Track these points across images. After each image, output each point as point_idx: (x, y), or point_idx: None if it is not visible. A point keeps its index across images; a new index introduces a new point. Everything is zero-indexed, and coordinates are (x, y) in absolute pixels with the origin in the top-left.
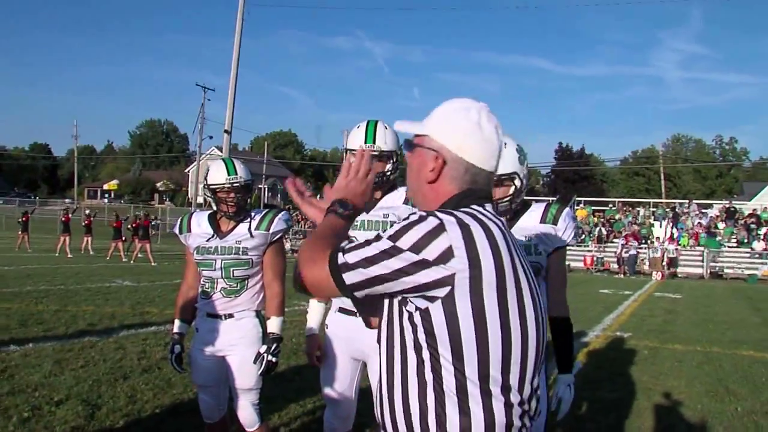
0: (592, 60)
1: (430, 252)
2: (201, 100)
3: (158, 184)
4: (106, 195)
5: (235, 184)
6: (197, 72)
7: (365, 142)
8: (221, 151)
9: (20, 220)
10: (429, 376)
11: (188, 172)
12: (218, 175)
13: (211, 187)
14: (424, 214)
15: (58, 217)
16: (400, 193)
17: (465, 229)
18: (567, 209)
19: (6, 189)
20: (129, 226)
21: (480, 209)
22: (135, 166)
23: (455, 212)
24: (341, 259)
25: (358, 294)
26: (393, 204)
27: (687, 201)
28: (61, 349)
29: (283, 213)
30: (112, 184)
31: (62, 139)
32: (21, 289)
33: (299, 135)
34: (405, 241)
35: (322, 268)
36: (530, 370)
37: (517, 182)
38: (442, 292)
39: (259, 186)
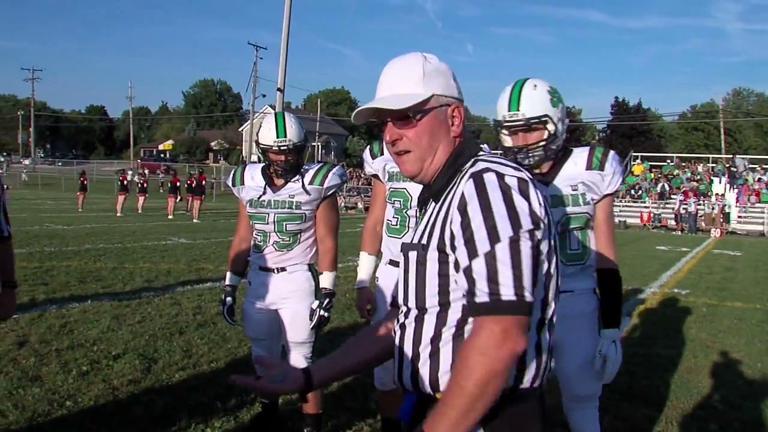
0: (648, 12)
1: (539, 210)
2: (253, 58)
3: (212, 144)
4: (162, 155)
5: (282, 147)
6: (249, 30)
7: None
8: (274, 110)
9: (80, 180)
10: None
11: (242, 131)
12: (268, 135)
13: (261, 145)
14: (491, 178)
15: (115, 178)
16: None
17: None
18: (613, 153)
19: (64, 151)
20: (186, 183)
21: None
22: (189, 126)
23: (501, 162)
24: (508, 296)
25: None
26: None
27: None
28: (119, 305)
29: (337, 168)
30: (167, 145)
31: (118, 101)
32: (80, 248)
33: (352, 92)
34: (519, 220)
35: (509, 329)
36: None
37: (550, 126)
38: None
39: (313, 144)
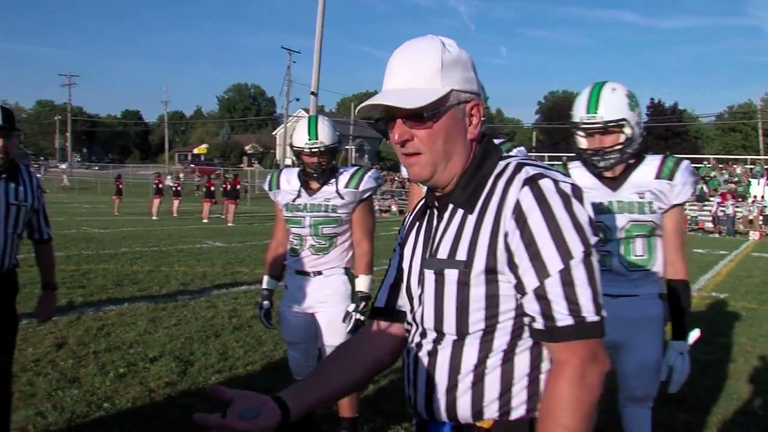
0: (684, 12)
1: (593, 218)
2: (287, 62)
3: (246, 147)
4: (196, 159)
5: (314, 149)
6: (283, 35)
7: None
8: (308, 113)
9: (115, 184)
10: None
11: (276, 134)
12: (300, 137)
13: (294, 148)
14: (548, 185)
15: (150, 182)
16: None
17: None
18: (686, 163)
19: (100, 155)
20: (221, 187)
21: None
22: (223, 130)
23: (544, 165)
24: (591, 317)
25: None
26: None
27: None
28: (155, 308)
29: (372, 171)
30: (201, 148)
31: (153, 105)
32: (116, 251)
33: None
34: (585, 232)
35: (595, 354)
36: None
37: (627, 130)
38: None
39: (346, 147)
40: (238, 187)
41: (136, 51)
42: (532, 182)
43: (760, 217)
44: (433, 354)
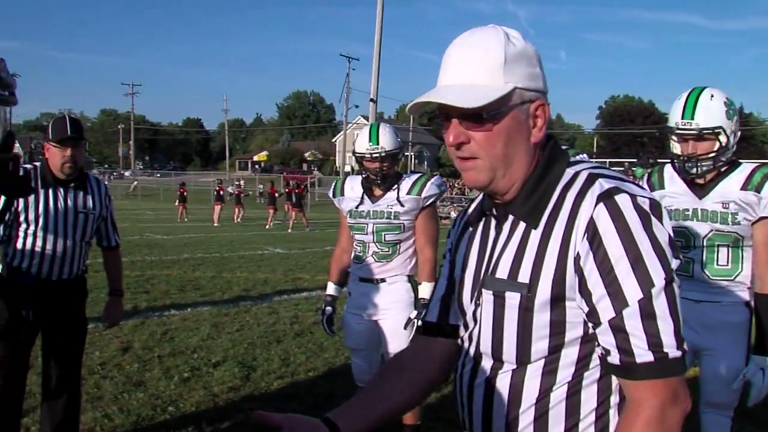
0: (750, 12)
1: (673, 237)
2: (346, 69)
3: (306, 154)
4: (256, 166)
5: (374, 154)
6: (341, 42)
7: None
8: (367, 120)
9: (178, 191)
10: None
11: (335, 141)
12: (361, 143)
13: (356, 154)
14: (626, 202)
15: (211, 188)
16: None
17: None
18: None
19: (162, 163)
20: (283, 192)
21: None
22: (283, 137)
23: (620, 176)
24: (673, 353)
25: None
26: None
27: None
28: (218, 313)
29: (435, 177)
30: (261, 156)
31: (213, 113)
32: (179, 257)
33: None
34: (667, 256)
35: (677, 392)
36: None
37: (723, 138)
38: None
39: (405, 153)
40: (302, 194)
41: (197, 59)
42: (607, 198)
43: None
44: (490, 382)
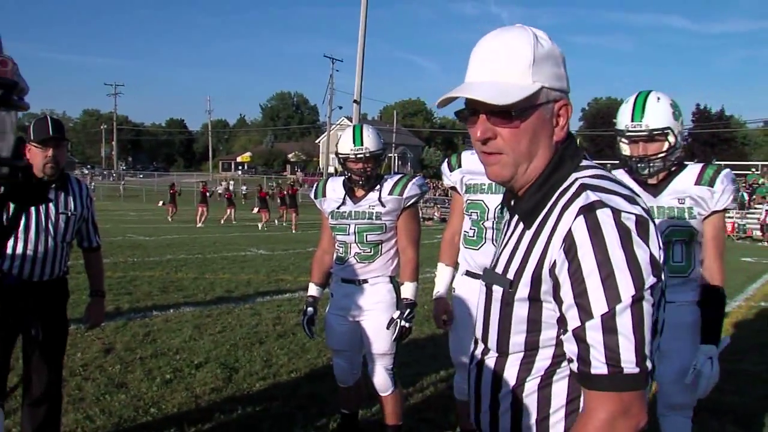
0: (733, 16)
1: (659, 254)
2: (329, 71)
3: (290, 155)
4: (240, 167)
5: (359, 155)
6: (325, 43)
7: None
8: (351, 121)
9: (169, 192)
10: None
11: (319, 142)
12: (345, 144)
13: (339, 155)
14: (606, 217)
15: (195, 190)
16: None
17: (645, 211)
18: (726, 171)
19: (145, 163)
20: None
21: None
22: (267, 139)
23: (612, 189)
24: (630, 368)
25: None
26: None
27: None
28: (200, 314)
29: (417, 178)
30: (245, 157)
31: (197, 114)
32: (162, 258)
33: (428, 103)
34: (641, 273)
35: (632, 405)
36: None
37: (671, 138)
38: None
39: (389, 155)
40: (296, 195)
41: (179, 60)
42: (588, 211)
43: None
44: (480, 366)
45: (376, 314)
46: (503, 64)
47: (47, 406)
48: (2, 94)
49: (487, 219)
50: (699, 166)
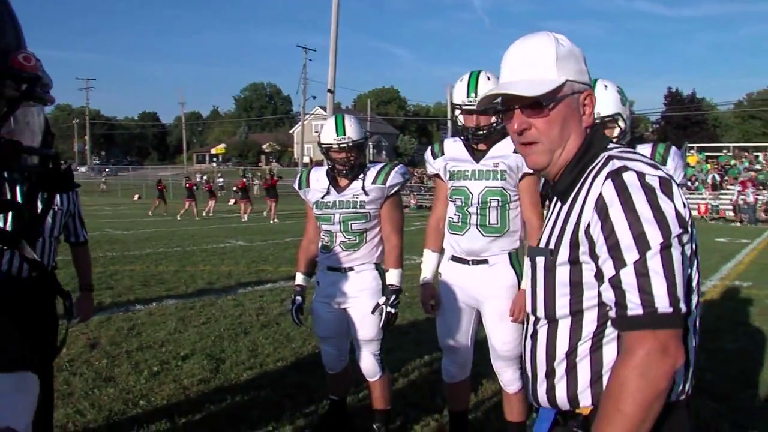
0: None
1: (684, 211)
2: (303, 61)
3: (264, 146)
4: (214, 159)
5: (342, 145)
6: (298, 33)
7: (467, 95)
8: (325, 111)
9: (158, 188)
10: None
11: (293, 132)
12: (328, 134)
13: (322, 145)
14: (632, 178)
15: (170, 183)
16: (509, 142)
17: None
18: (674, 148)
19: (119, 158)
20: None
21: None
22: (241, 130)
23: (637, 158)
24: (664, 308)
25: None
26: (503, 152)
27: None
28: (183, 307)
29: (400, 166)
30: (219, 148)
31: (170, 106)
32: (141, 252)
33: (402, 91)
34: (668, 224)
35: (666, 342)
36: None
37: (621, 123)
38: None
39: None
40: (276, 185)
41: (151, 53)
42: (615, 175)
43: None
44: (534, 338)
45: (362, 301)
46: (531, 64)
47: (40, 401)
48: (27, 88)
49: (471, 205)
50: (649, 146)
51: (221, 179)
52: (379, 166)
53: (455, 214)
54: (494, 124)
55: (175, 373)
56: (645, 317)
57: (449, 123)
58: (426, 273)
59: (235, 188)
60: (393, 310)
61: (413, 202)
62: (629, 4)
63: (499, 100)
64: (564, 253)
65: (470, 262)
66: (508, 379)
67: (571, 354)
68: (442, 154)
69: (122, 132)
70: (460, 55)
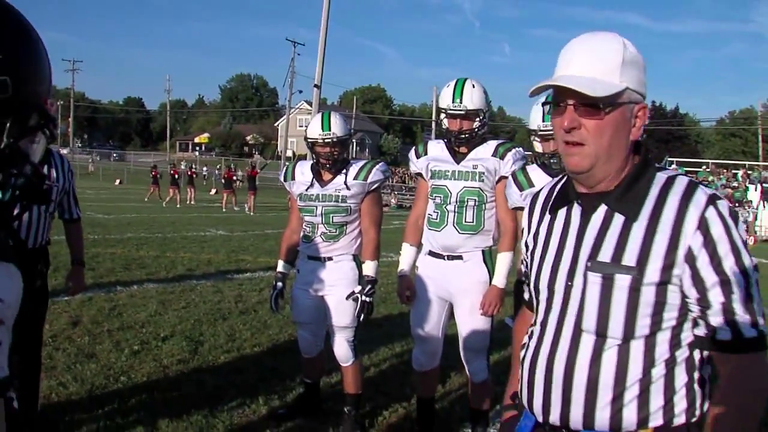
0: (690, 16)
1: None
2: (291, 54)
3: (248, 138)
4: (197, 148)
5: (327, 140)
6: (288, 27)
7: (452, 100)
8: (310, 106)
9: (151, 174)
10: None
11: (278, 125)
12: (314, 129)
13: (308, 139)
14: (725, 206)
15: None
16: (489, 146)
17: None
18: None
19: (101, 142)
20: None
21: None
22: (225, 120)
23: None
24: (765, 329)
25: None
26: (482, 156)
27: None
28: (164, 291)
29: (381, 164)
30: (203, 138)
31: (155, 93)
32: (122, 236)
33: (388, 90)
34: (749, 253)
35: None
36: None
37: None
38: None
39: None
40: (256, 177)
41: (139, 38)
42: (714, 203)
43: (756, 223)
44: (596, 358)
45: (339, 289)
46: (595, 62)
47: (27, 372)
48: (44, 123)
49: (449, 203)
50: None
51: (204, 169)
52: (361, 163)
53: (434, 212)
54: (476, 129)
55: (155, 353)
56: (758, 339)
57: (434, 125)
58: (404, 266)
59: (223, 179)
60: (368, 299)
61: (394, 201)
62: (618, 15)
63: (549, 91)
64: (653, 274)
65: (446, 258)
66: (475, 369)
67: (646, 376)
68: (425, 154)
69: (105, 116)
70: (448, 57)
